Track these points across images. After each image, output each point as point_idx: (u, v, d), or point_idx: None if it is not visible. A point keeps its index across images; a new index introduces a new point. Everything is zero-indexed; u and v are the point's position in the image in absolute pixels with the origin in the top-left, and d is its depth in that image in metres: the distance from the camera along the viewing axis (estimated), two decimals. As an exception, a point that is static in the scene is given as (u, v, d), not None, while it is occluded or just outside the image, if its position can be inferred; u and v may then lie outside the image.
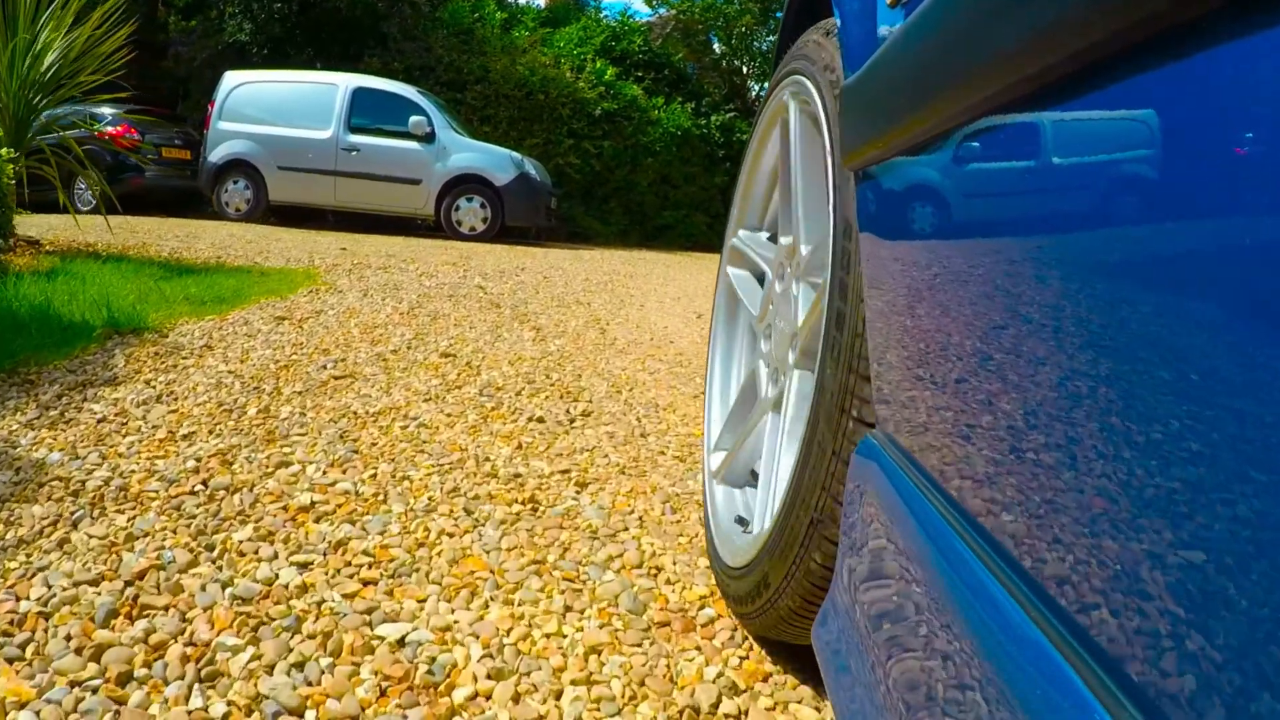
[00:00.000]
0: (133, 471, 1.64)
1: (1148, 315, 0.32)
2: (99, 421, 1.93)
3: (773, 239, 1.61)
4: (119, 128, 10.70)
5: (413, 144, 9.26)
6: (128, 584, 1.23)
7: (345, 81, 9.66)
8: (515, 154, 9.38)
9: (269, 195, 9.69)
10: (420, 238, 9.31)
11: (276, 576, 1.29)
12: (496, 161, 9.20)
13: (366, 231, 9.78)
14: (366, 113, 9.51)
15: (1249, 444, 0.26)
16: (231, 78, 9.96)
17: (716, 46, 16.61)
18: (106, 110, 11.05)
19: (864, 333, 0.81)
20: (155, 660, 1.06)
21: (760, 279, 1.64)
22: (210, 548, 1.36)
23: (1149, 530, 0.31)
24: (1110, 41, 0.34)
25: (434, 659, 1.11)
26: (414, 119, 9.19)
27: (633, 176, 12.86)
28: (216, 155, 9.75)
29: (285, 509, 1.53)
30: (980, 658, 0.43)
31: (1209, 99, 0.30)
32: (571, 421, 2.26)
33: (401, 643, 1.15)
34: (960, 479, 0.51)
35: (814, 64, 1.11)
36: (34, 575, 1.23)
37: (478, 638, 1.18)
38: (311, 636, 1.14)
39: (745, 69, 16.34)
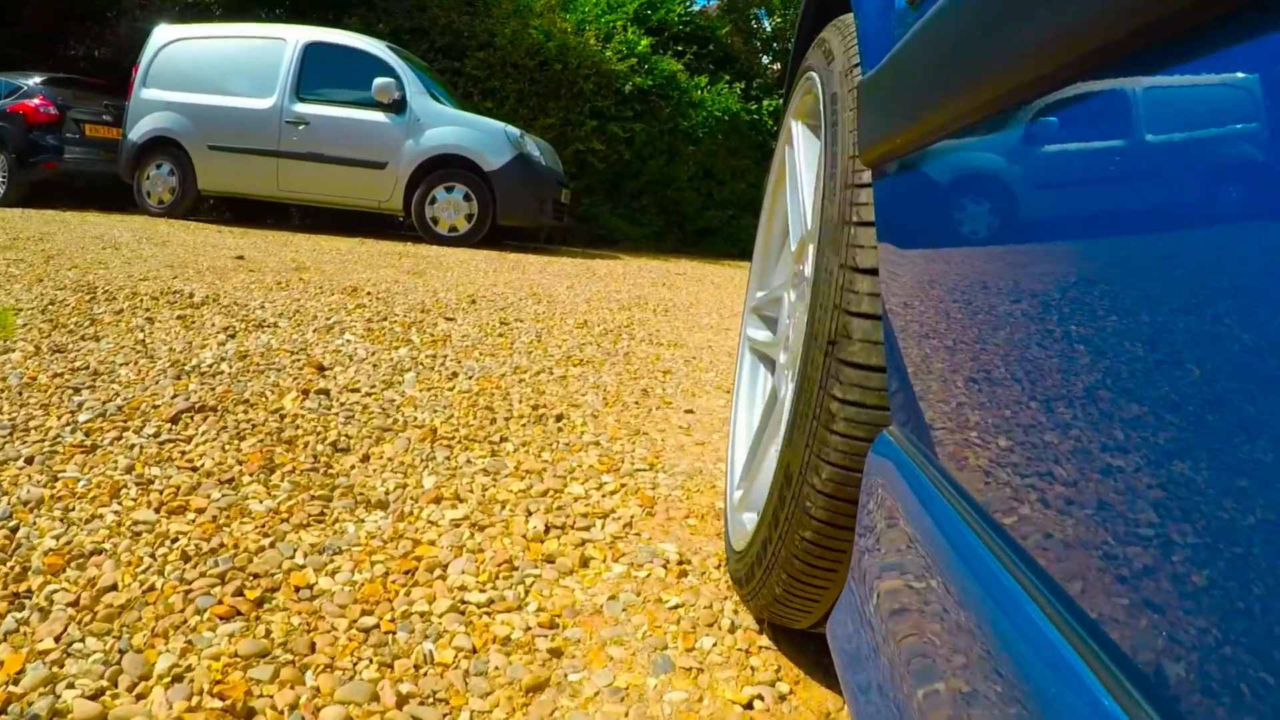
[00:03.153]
0: None
1: (1176, 318, 0.29)
2: None
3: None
4: (35, 100, 8.10)
5: (377, 115, 6.45)
6: None
7: (296, 36, 6.88)
8: (512, 129, 6.51)
9: (198, 182, 6.95)
10: (387, 240, 6.51)
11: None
12: (486, 138, 6.34)
13: (326, 231, 7.00)
14: (321, 74, 6.73)
15: (1273, 448, 0.24)
16: (161, 34, 7.28)
17: (767, 24, 13.61)
18: (33, 80, 8.46)
19: (830, 375, 0.75)
20: None
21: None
22: None
23: (1168, 529, 0.29)
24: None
25: None
26: (378, 81, 6.37)
27: (669, 168, 9.92)
28: (137, 132, 7.09)
29: None
30: (996, 655, 0.40)
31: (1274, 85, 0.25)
32: None
33: None
34: (978, 477, 0.47)
35: (823, 64, 1.00)
36: None
37: None
38: None
39: (800, 50, 13.30)
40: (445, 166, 6.32)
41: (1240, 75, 0.25)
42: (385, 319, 2.64)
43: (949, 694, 0.44)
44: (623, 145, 9.45)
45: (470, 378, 2.01)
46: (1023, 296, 0.41)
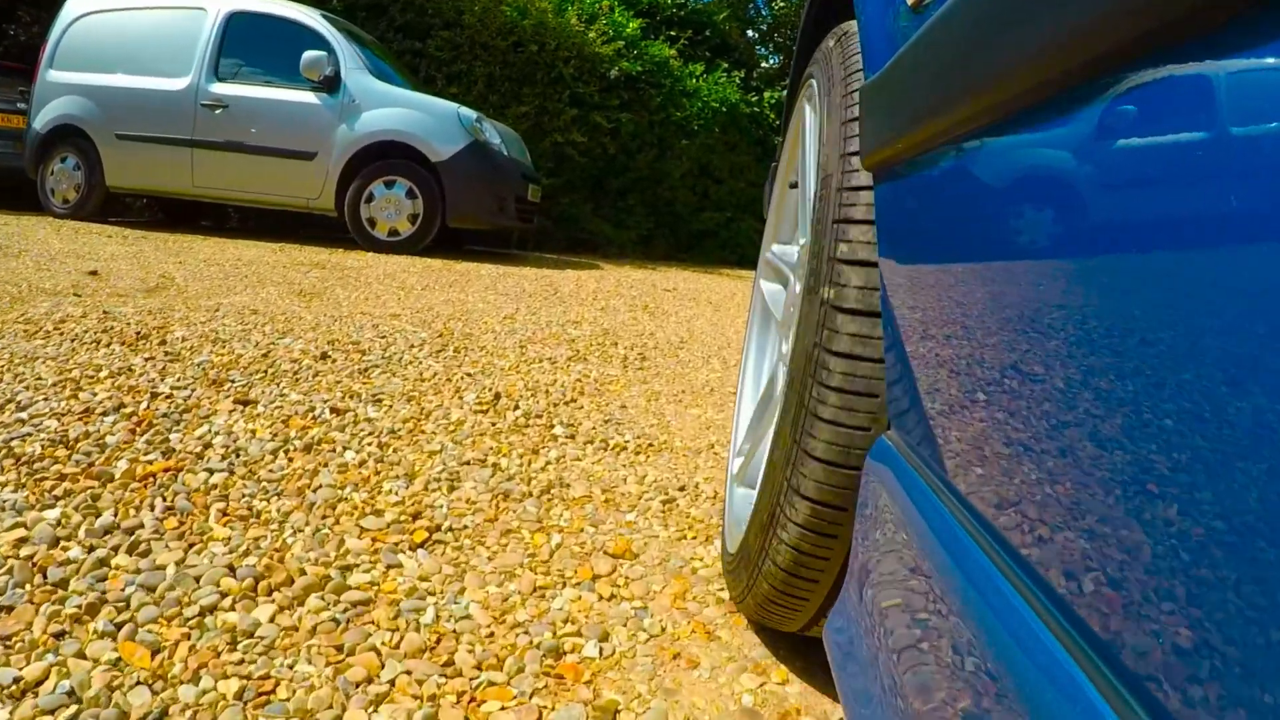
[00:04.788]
0: None
1: (1177, 325, 0.28)
2: None
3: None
4: (-64, 85, 6.87)
5: (306, 95, 5.22)
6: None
7: (218, 5, 5.64)
8: (467, 111, 5.27)
9: (105, 178, 5.72)
10: (316, 245, 5.28)
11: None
12: (434, 123, 5.10)
13: (257, 235, 5.79)
14: (244, 49, 5.50)
15: (1268, 452, 0.24)
16: (73, 6, 6.02)
17: (766, 11, 12.35)
18: (-57, 65, 7.24)
19: (811, 394, 0.74)
20: None
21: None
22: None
23: (1165, 536, 0.29)
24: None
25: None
26: (307, 55, 5.14)
27: (660, 164, 8.68)
28: (41, 120, 5.86)
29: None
30: (993, 661, 0.39)
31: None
32: None
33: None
34: (977, 483, 0.46)
35: (825, 68, 0.98)
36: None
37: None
38: None
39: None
40: (385, 157, 5.09)
41: (1249, 78, 0.25)
42: (121, 406, 1.42)
43: (945, 699, 0.43)
44: (607, 137, 8.21)
45: (114, 635, 0.80)
46: (1025, 303, 0.40)
